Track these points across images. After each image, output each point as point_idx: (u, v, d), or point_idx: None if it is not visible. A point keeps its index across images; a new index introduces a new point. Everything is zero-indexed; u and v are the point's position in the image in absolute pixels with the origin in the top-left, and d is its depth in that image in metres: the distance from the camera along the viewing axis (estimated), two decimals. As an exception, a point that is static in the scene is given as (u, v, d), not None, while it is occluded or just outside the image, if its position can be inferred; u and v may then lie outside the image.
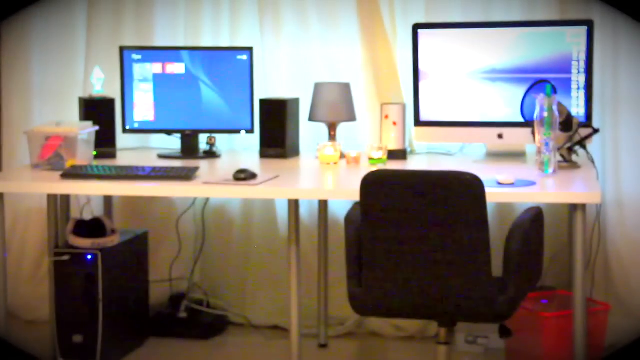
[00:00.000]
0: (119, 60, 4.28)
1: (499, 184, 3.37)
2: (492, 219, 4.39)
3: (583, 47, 3.91)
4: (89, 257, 3.91)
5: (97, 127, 4.02)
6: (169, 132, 4.35)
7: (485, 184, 3.34)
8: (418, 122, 4.15)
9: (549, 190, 3.40)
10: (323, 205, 4.28)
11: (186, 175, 3.59)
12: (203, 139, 4.31)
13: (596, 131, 3.77)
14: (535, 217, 3.25)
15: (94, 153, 4.01)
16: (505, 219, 4.40)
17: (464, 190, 2.96)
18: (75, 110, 4.32)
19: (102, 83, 4.27)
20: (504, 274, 3.14)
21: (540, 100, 3.52)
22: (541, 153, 3.50)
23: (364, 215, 3.05)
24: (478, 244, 3.00)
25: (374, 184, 3.03)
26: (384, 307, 3.12)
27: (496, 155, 4.06)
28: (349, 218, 3.21)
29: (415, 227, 3.01)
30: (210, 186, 3.52)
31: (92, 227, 4.01)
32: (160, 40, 4.56)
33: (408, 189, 2.99)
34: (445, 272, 3.02)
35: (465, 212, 2.97)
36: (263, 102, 4.20)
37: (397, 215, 3.01)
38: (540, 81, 3.76)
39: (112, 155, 4.19)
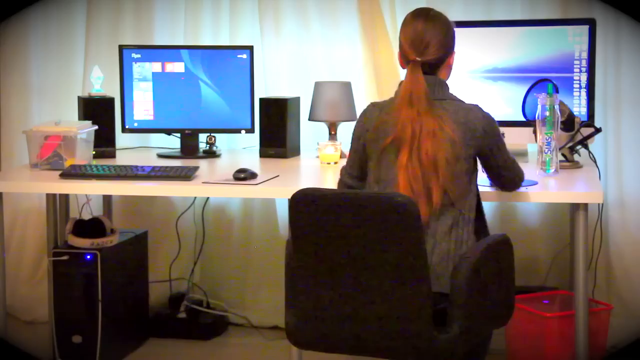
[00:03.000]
0: (118, 59, 4.27)
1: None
2: (493, 219, 4.39)
3: (585, 46, 3.90)
4: (88, 257, 3.89)
5: (96, 127, 4.01)
6: (168, 132, 4.33)
7: (485, 183, 3.34)
8: (419, 122, 4.13)
9: (550, 189, 3.39)
10: (323, 205, 4.26)
11: (186, 174, 3.57)
12: (203, 138, 4.30)
13: (598, 130, 3.75)
14: (490, 247, 2.88)
15: (93, 152, 4.00)
16: (506, 219, 4.39)
17: (396, 214, 2.66)
18: (74, 110, 4.30)
19: (101, 82, 4.25)
20: (450, 309, 2.77)
21: (542, 100, 3.51)
22: (543, 152, 3.49)
23: (293, 238, 2.80)
24: (415, 273, 2.69)
25: (298, 203, 2.76)
26: (314, 341, 2.86)
27: (497, 155, 4.04)
28: (288, 240, 2.92)
29: (346, 253, 2.73)
30: (210, 186, 3.51)
31: (92, 227, 4.00)
32: (160, 39, 4.55)
33: (338, 212, 2.71)
34: (379, 303, 2.73)
35: (400, 238, 2.67)
36: (263, 101, 4.19)
37: (326, 240, 2.73)
38: (542, 80, 3.74)
39: (112, 155, 4.18)
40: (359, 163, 3.09)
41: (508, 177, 3.15)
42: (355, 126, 3.11)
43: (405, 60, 3.01)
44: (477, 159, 3.04)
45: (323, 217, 2.74)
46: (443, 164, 2.89)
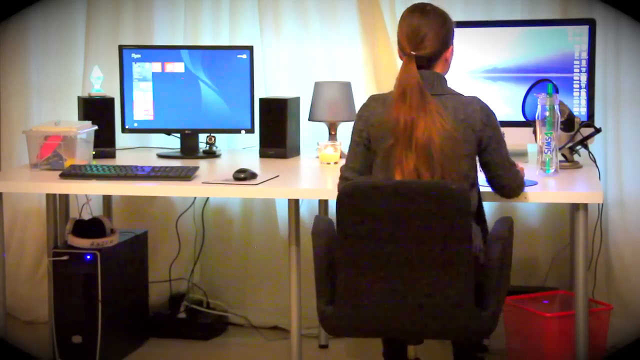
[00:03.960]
0: (118, 60, 4.27)
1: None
2: (493, 219, 4.38)
3: (585, 46, 3.90)
4: (88, 257, 3.89)
5: (96, 127, 4.01)
6: (168, 132, 4.33)
7: (484, 182, 3.34)
8: (419, 122, 4.13)
9: (550, 190, 3.39)
10: (323, 205, 4.26)
11: (186, 175, 3.57)
12: (203, 138, 4.30)
13: (598, 131, 3.75)
14: (510, 228, 3.08)
15: (93, 153, 4.00)
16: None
17: (447, 202, 2.79)
18: (74, 110, 4.30)
19: (101, 82, 4.25)
20: (485, 288, 2.95)
21: (541, 100, 3.50)
22: (543, 153, 3.49)
23: (339, 229, 2.87)
24: (461, 259, 2.83)
25: (351, 196, 2.85)
26: (357, 327, 2.95)
27: (497, 155, 4.04)
28: (316, 231, 3.03)
29: (394, 242, 2.83)
30: (209, 186, 3.51)
31: (91, 227, 4.00)
32: (160, 39, 4.55)
33: (387, 201, 2.82)
34: (425, 289, 2.84)
35: (449, 225, 2.80)
36: (263, 102, 4.19)
37: (374, 229, 2.83)
38: (542, 80, 3.74)
39: (112, 155, 4.18)
40: (361, 156, 3.09)
41: (506, 179, 3.12)
42: (357, 120, 3.11)
43: (403, 55, 3.02)
44: (478, 157, 3.05)
45: (371, 206, 2.82)
46: (439, 157, 2.92)
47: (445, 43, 3.05)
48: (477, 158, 3.07)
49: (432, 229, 2.82)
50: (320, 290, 3.02)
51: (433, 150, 2.91)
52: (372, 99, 3.11)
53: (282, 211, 4.45)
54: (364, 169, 3.10)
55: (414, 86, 2.94)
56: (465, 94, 3.08)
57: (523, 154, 4.03)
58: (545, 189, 3.38)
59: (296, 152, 4.23)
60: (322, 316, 3.00)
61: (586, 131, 3.75)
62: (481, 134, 3.01)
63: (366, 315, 2.92)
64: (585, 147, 3.79)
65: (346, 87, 4.16)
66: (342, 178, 3.15)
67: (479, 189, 3.12)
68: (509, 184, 3.15)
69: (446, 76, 3.09)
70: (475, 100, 3.03)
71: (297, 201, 3.53)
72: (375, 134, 3.03)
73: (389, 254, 2.85)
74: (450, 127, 2.93)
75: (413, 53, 2.98)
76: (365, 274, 2.88)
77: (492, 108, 3.07)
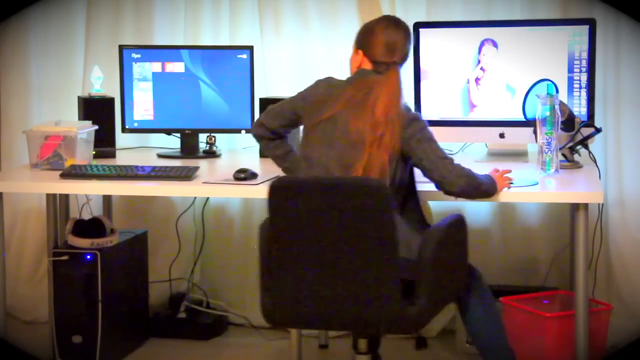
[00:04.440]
0: (118, 59, 4.27)
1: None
2: (493, 219, 4.40)
3: (585, 46, 3.90)
4: (88, 257, 3.89)
5: (96, 127, 4.01)
6: (168, 132, 4.33)
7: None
8: (419, 122, 4.13)
9: (550, 190, 3.39)
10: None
11: (186, 175, 3.57)
12: (203, 138, 4.30)
13: (598, 130, 3.75)
14: (452, 224, 3.13)
15: (93, 152, 4.00)
16: (506, 219, 4.39)
17: (367, 197, 2.87)
18: (74, 110, 4.30)
19: (101, 82, 4.25)
20: (416, 283, 3.00)
21: (542, 100, 3.50)
22: (543, 152, 3.49)
23: (272, 223, 2.98)
24: (386, 252, 2.90)
25: (280, 190, 2.95)
26: (295, 319, 3.07)
27: (498, 155, 4.05)
28: (263, 226, 3.11)
29: (324, 236, 2.92)
30: (210, 186, 3.51)
31: (92, 227, 4.00)
32: (160, 39, 4.55)
33: (315, 196, 2.91)
34: (353, 282, 2.93)
35: (372, 220, 2.87)
36: (263, 102, 4.18)
37: (305, 223, 2.92)
38: (542, 80, 3.74)
39: (112, 155, 4.18)
40: (284, 120, 3.30)
41: (437, 175, 3.13)
42: (299, 94, 3.29)
43: (378, 61, 3.18)
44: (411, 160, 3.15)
45: (299, 202, 2.91)
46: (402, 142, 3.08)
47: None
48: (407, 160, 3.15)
49: (356, 225, 2.88)
50: (263, 283, 3.09)
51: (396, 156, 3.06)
52: (325, 79, 3.28)
53: (282, 211, 4.45)
54: (280, 131, 3.34)
55: (401, 91, 3.14)
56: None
57: (523, 154, 4.03)
58: (546, 188, 3.37)
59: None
60: (263, 308, 3.09)
61: (586, 131, 3.75)
62: (402, 137, 3.11)
63: (300, 308, 3.01)
64: (586, 147, 3.80)
65: (346, 87, 4.15)
66: (262, 124, 3.36)
67: (414, 192, 3.21)
68: (442, 178, 3.14)
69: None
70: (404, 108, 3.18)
71: (297, 201, 3.53)
72: (309, 108, 3.18)
73: (317, 249, 2.93)
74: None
75: (397, 61, 3.16)
76: (297, 268, 2.97)
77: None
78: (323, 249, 2.93)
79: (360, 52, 3.23)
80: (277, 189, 2.95)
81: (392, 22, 3.22)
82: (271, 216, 2.98)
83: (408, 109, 3.17)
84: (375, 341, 3.23)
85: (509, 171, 3.38)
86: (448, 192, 3.16)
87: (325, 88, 3.21)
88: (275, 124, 3.33)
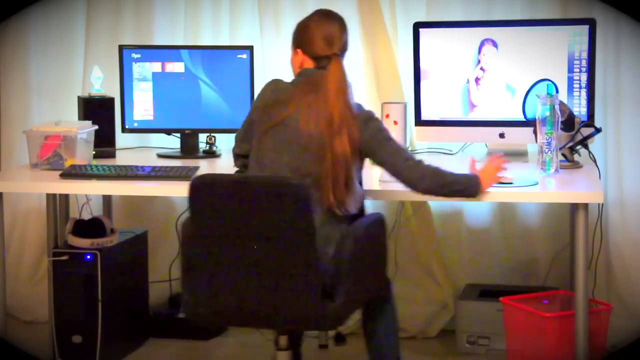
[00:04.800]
0: (118, 59, 4.26)
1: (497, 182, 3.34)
2: (493, 219, 4.40)
3: (585, 46, 3.90)
4: (88, 257, 3.89)
5: (96, 127, 4.00)
6: (168, 132, 4.33)
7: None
8: (419, 122, 4.13)
9: (550, 189, 3.39)
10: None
11: (186, 175, 3.57)
12: (203, 138, 4.30)
13: (598, 130, 3.75)
14: (371, 224, 3.17)
15: (93, 152, 3.99)
16: (506, 219, 4.39)
17: (289, 196, 2.90)
18: (74, 110, 4.30)
19: (101, 82, 4.25)
20: (335, 282, 3.02)
21: (542, 100, 3.50)
22: (543, 152, 3.49)
23: (193, 221, 3.00)
24: (304, 251, 2.93)
25: (201, 188, 2.97)
26: (216, 316, 3.10)
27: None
28: (185, 224, 3.11)
29: (244, 234, 2.94)
30: (210, 186, 3.50)
31: (92, 227, 4.00)
32: (160, 39, 4.55)
33: (233, 194, 2.94)
34: (272, 279, 2.96)
35: (291, 218, 2.91)
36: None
37: (226, 221, 2.95)
38: (542, 80, 3.74)
39: (112, 155, 4.17)
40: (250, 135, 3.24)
41: (402, 176, 3.15)
42: (255, 100, 3.29)
43: (318, 56, 3.19)
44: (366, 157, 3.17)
45: (220, 200, 2.94)
46: (358, 150, 3.10)
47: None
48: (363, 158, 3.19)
49: (275, 223, 2.92)
50: (184, 280, 3.09)
51: (347, 154, 3.07)
52: (273, 81, 3.28)
53: (282, 211, 4.45)
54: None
55: (347, 82, 3.17)
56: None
57: (523, 154, 4.03)
58: (546, 188, 3.37)
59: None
60: (185, 305, 3.11)
61: (586, 131, 3.75)
62: (359, 138, 3.13)
63: (221, 305, 3.04)
64: (586, 147, 3.79)
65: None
66: (233, 152, 3.37)
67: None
68: (406, 179, 3.16)
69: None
70: (357, 106, 3.20)
71: (297, 201, 3.52)
72: (258, 115, 3.18)
73: (238, 247, 2.96)
74: (357, 133, 3.11)
75: (337, 52, 3.18)
76: (217, 265, 3.00)
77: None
78: (244, 247, 2.96)
79: (299, 50, 3.24)
80: (197, 187, 2.97)
81: (325, 15, 3.24)
82: (192, 213, 2.99)
83: (360, 107, 3.19)
84: (297, 338, 3.29)
85: (502, 156, 3.31)
86: (416, 191, 3.18)
87: (272, 92, 3.21)
88: (247, 147, 3.27)
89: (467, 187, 3.17)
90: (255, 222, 2.93)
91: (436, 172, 3.14)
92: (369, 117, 3.16)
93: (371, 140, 3.11)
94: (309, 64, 3.22)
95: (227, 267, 2.99)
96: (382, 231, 3.25)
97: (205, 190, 2.96)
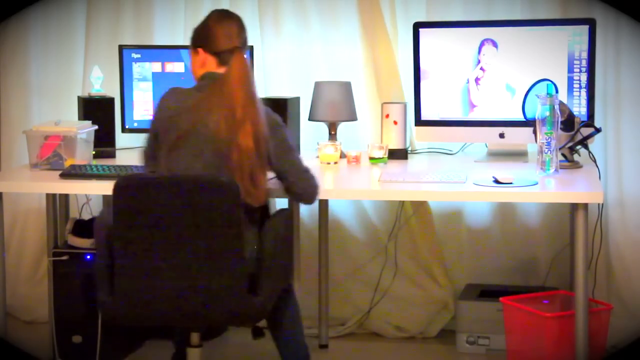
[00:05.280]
0: (118, 59, 4.26)
1: (497, 181, 3.35)
2: (493, 219, 4.40)
3: (585, 46, 3.90)
4: (88, 257, 3.89)
5: (96, 127, 4.00)
6: (168, 132, 4.33)
7: (484, 182, 3.34)
8: (419, 121, 4.13)
9: (550, 190, 3.39)
10: (323, 205, 4.26)
11: (186, 174, 3.56)
12: (203, 138, 4.29)
13: (598, 130, 3.75)
14: (286, 219, 3.28)
15: (93, 152, 3.99)
16: (506, 219, 4.39)
17: (216, 193, 2.95)
18: (74, 110, 4.30)
19: (101, 82, 4.25)
20: (257, 276, 3.11)
21: (542, 100, 3.50)
22: (543, 152, 3.49)
23: (116, 220, 3.02)
24: (232, 247, 2.99)
25: (126, 188, 3.00)
26: (136, 315, 3.10)
27: (497, 155, 4.05)
28: (98, 223, 3.15)
29: (171, 233, 2.98)
30: (209, 186, 3.50)
31: (92, 227, 3.99)
32: (160, 39, 4.55)
33: (161, 193, 2.98)
34: (200, 277, 3.00)
35: (219, 216, 2.96)
36: (263, 101, 4.17)
37: (151, 220, 2.98)
38: (542, 80, 3.74)
39: (112, 155, 4.17)
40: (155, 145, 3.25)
41: (298, 187, 3.24)
42: (155, 110, 3.28)
43: (220, 51, 3.20)
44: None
45: (145, 199, 2.98)
46: (270, 145, 3.16)
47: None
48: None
49: (203, 220, 2.96)
50: (101, 280, 3.12)
51: (262, 138, 3.13)
52: (172, 91, 3.26)
53: (282, 211, 4.45)
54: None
55: (252, 78, 3.19)
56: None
57: (523, 154, 4.03)
58: (546, 188, 3.37)
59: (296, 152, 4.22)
60: (101, 306, 3.14)
61: (586, 131, 3.75)
62: (267, 143, 3.17)
63: (143, 304, 3.06)
64: (585, 147, 3.79)
65: (346, 87, 4.16)
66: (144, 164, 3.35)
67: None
68: (303, 191, 3.26)
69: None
70: (266, 110, 3.25)
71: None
72: (162, 126, 3.19)
73: (164, 245, 3.00)
74: (266, 130, 3.15)
75: (239, 46, 3.20)
76: (141, 265, 3.02)
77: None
78: (170, 246, 2.99)
79: (200, 50, 3.25)
80: (123, 187, 3.00)
81: (223, 13, 3.30)
82: (116, 213, 3.02)
83: (269, 111, 3.24)
84: (209, 334, 3.34)
85: None
86: (299, 201, 3.30)
87: (176, 101, 3.21)
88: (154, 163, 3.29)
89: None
90: (183, 219, 2.97)
91: (318, 185, 3.29)
92: (278, 123, 3.23)
93: (277, 147, 3.19)
94: (211, 61, 3.23)
95: (154, 266, 3.01)
96: (291, 225, 3.36)
97: (131, 189, 3.00)
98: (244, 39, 3.27)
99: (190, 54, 3.32)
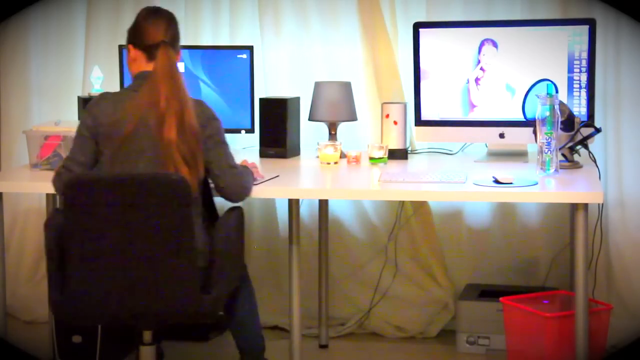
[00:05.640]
0: (118, 59, 4.26)
1: (497, 181, 3.35)
2: (493, 219, 4.40)
3: (585, 46, 3.90)
4: (88, 257, 3.88)
5: (96, 127, 4.00)
6: (168, 132, 4.32)
7: (484, 182, 3.34)
8: (419, 122, 4.13)
9: (550, 190, 3.39)
10: (323, 205, 4.27)
11: (185, 174, 3.56)
12: (203, 138, 4.29)
13: (598, 130, 3.75)
14: (236, 217, 3.29)
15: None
16: (506, 219, 4.39)
17: (167, 192, 2.97)
18: (74, 110, 4.30)
19: (101, 82, 4.25)
20: (208, 274, 3.13)
21: (542, 100, 3.50)
22: (543, 152, 3.49)
23: (67, 219, 3.03)
24: (184, 247, 3.00)
25: (75, 188, 3.01)
26: (88, 314, 3.13)
27: (497, 155, 4.05)
28: (49, 223, 3.14)
29: (118, 232, 2.99)
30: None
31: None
32: (160, 39, 4.54)
33: (110, 192, 2.99)
34: (153, 275, 3.01)
35: (168, 214, 2.97)
36: (263, 101, 4.19)
37: (99, 219, 2.99)
38: (542, 80, 3.74)
39: (112, 155, 4.16)
40: (89, 151, 3.21)
41: (222, 181, 3.24)
42: (86, 116, 3.23)
43: (145, 45, 3.20)
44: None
45: (96, 198, 2.99)
46: (201, 138, 3.16)
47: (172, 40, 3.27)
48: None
49: (154, 218, 2.97)
50: (52, 280, 3.13)
51: (198, 131, 3.14)
52: (103, 98, 3.24)
53: (282, 211, 4.45)
54: (91, 162, 3.23)
55: (179, 71, 3.19)
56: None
57: (523, 154, 4.03)
58: (546, 188, 3.37)
59: (296, 152, 4.23)
60: (53, 305, 3.15)
61: (586, 131, 3.75)
62: (201, 135, 3.18)
63: (94, 303, 3.07)
64: (585, 147, 3.79)
65: (346, 87, 4.16)
66: (66, 169, 3.23)
67: (208, 183, 3.29)
68: (226, 185, 3.26)
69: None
70: (197, 103, 3.23)
71: (297, 201, 3.53)
72: (105, 132, 3.18)
73: (114, 244, 3.00)
74: (195, 122, 3.14)
75: (167, 40, 3.19)
76: (90, 264, 3.03)
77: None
78: (120, 245, 2.99)
79: (131, 46, 3.27)
80: (73, 185, 3.00)
81: (151, 10, 3.31)
82: (66, 212, 3.02)
83: (203, 103, 3.25)
84: (161, 333, 3.35)
85: (254, 164, 3.58)
86: (224, 196, 3.29)
87: (114, 106, 3.20)
88: (83, 159, 3.23)
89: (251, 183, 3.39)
90: (132, 218, 2.98)
91: (246, 184, 3.32)
92: (212, 116, 3.24)
93: (209, 138, 3.20)
94: (141, 57, 3.24)
95: (103, 265, 3.02)
96: (242, 222, 3.34)
97: (80, 189, 3.00)
98: (172, 34, 3.25)
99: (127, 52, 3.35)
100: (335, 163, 3.90)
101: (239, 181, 3.28)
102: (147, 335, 3.27)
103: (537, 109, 3.51)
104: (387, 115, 4.09)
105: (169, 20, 3.28)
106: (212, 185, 3.31)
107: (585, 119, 3.88)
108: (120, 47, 4.27)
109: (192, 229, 3.01)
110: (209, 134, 3.20)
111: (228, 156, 3.27)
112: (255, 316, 3.56)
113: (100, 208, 2.99)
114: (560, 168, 3.55)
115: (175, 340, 4.31)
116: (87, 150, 3.21)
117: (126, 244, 3.00)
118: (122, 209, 2.98)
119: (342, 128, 4.19)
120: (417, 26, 4.09)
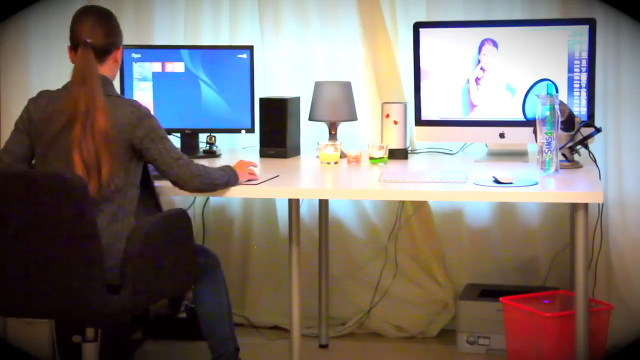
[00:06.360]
0: (118, 59, 4.26)
1: (497, 181, 3.35)
2: (493, 219, 4.40)
3: (585, 46, 3.90)
4: (88, 257, 3.88)
5: (96, 127, 4.00)
6: (168, 132, 4.31)
7: (484, 182, 3.34)
8: (419, 121, 4.13)
9: (550, 189, 3.39)
10: (323, 205, 4.27)
11: (186, 174, 3.56)
12: (203, 138, 4.30)
13: (598, 130, 3.75)
14: (163, 219, 3.26)
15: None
16: (506, 219, 4.39)
17: (62, 190, 2.94)
18: (74, 110, 4.29)
19: (101, 82, 4.24)
20: (121, 276, 3.10)
21: (542, 100, 3.50)
22: (543, 152, 3.49)
23: None
24: (86, 246, 2.98)
25: None
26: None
27: (497, 155, 4.05)
28: None
29: (23, 231, 2.98)
30: (210, 186, 3.50)
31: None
32: (160, 39, 4.55)
33: (9, 188, 2.97)
34: (53, 275, 2.99)
35: (64, 213, 2.94)
36: (263, 101, 4.19)
37: (4, 216, 2.98)
38: (542, 80, 3.74)
39: (112, 155, 4.17)
40: (24, 145, 3.24)
41: (172, 174, 3.25)
42: (23, 111, 3.27)
43: (74, 45, 3.20)
44: (141, 156, 3.22)
45: (2, 195, 2.98)
46: (115, 138, 3.13)
47: (114, 41, 3.26)
48: (134, 156, 3.21)
49: (50, 217, 2.95)
50: None
51: (110, 132, 3.11)
52: (40, 95, 3.26)
53: (282, 211, 4.45)
54: (24, 154, 3.25)
55: (93, 72, 3.15)
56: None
57: (523, 154, 4.03)
58: (546, 188, 3.37)
59: (296, 152, 4.23)
60: None
61: (586, 131, 3.75)
62: (131, 135, 3.16)
63: (4, 295, 3.06)
64: (586, 146, 3.79)
65: (346, 87, 4.16)
66: None
67: (149, 183, 3.32)
68: (177, 178, 3.26)
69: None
70: (128, 103, 3.21)
71: (297, 201, 3.53)
72: (36, 129, 3.19)
73: (19, 241, 2.98)
74: (109, 128, 3.12)
75: (89, 41, 3.17)
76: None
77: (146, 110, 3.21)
78: (23, 244, 2.98)
79: (69, 47, 3.27)
80: None
81: (81, 9, 3.29)
82: None
83: (136, 102, 3.23)
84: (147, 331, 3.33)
85: (252, 164, 3.54)
86: (181, 188, 3.29)
87: (47, 103, 3.21)
88: (18, 151, 3.26)
89: (229, 181, 3.37)
90: (31, 216, 2.96)
91: (205, 171, 3.29)
92: (144, 114, 3.21)
93: (145, 137, 3.19)
94: (72, 57, 3.25)
95: (10, 264, 3.01)
96: (185, 225, 3.34)
97: None
98: (100, 34, 3.22)
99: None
100: (336, 163, 3.90)
101: (188, 170, 3.26)
102: (90, 332, 3.27)
103: (537, 109, 3.51)
104: (387, 115, 4.09)
105: (96, 20, 3.23)
106: (161, 183, 3.34)
107: (585, 118, 3.88)
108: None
109: (91, 228, 2.96)
110: (143, 134, 3.18)
111: (170, 149, 3.25)
112: (222, 313, 3.54)
113: (3, 204, 2.99)
114: (561, 168, 3.55)
115: (161, 339, 4.33)
116: (21, 143, 3.25)
117: (26, 245, 2.99)
118: (20, 206, 2.97)
119: (342, 128, 4.19)
120: (417, 26, 4.09)
